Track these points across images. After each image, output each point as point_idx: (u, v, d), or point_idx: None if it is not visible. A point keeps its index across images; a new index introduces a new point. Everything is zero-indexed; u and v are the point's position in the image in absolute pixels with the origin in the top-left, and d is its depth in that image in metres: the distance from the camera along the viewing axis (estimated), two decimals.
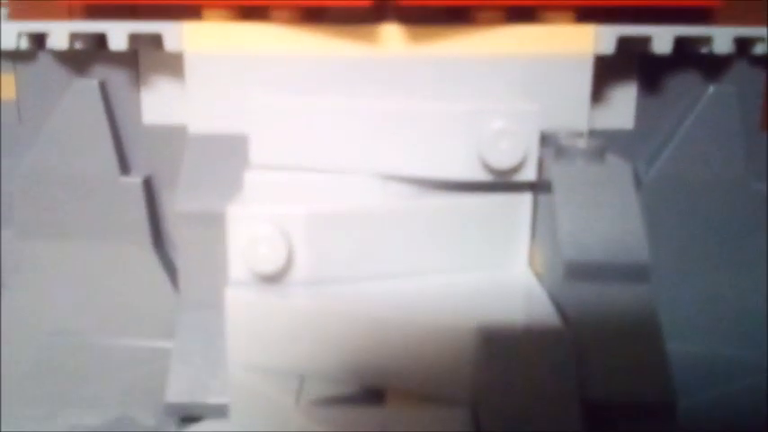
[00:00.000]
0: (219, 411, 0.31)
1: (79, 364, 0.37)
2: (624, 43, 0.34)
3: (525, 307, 0.29)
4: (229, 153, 0.33)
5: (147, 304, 0.36)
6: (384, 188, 0.32)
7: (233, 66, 0.34)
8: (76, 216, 0.36)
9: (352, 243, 0.30)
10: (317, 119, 0.32)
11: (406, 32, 0.34)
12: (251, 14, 0.34)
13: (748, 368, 0.36)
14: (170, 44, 0.34)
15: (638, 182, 0.34)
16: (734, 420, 0.35)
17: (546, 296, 0.29)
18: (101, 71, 0.36)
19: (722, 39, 0.34)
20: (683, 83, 0.36)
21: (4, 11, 0.37)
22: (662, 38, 0.34)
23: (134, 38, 0.34)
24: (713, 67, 0.36)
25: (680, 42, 0.34)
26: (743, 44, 0.35)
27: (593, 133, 0.34)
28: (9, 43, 0.35)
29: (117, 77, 0.36)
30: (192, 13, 0.34)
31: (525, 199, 0.32)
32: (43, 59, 0.36)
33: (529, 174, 0.31)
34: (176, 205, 0.33)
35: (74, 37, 0.34)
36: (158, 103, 0.36)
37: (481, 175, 0.31)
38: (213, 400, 0.31)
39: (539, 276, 0.31)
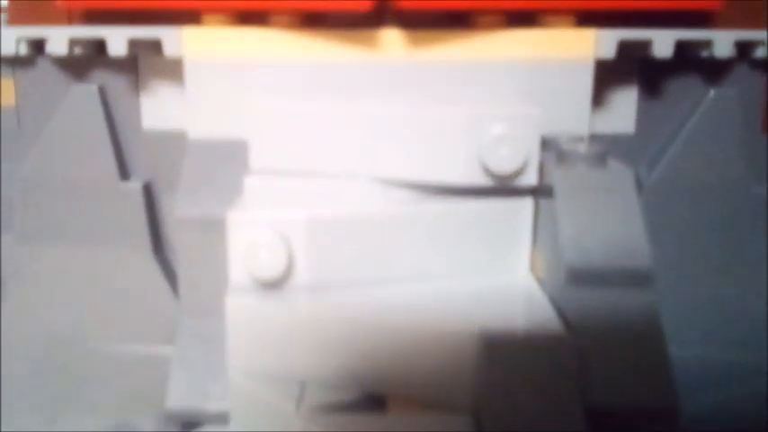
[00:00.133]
0: (220, 418, 0.30)
1: (79, 370, 0.37)
2: (625, 47, 0.33)
3: (527, 312, 0.29)
4: (229, 158, 0.33)
5: (147, 310, 0.36)
6: (385, 193, 0.32)
7: (232, 71, 0.34)
8: (76, 221, 0.36)
9: (352, 248, 0.30)
10: (316, 124, 0.32)
11: (405, 37, 0.33)
12: (250, 20, 0.34)
13: (750, 372, 0.35)
14: (169, 50, 0.33)
15: (639, 186, 0.34)
16: (736, 425, 0.35)
17: (547, 301, 0.29)
18: (100, 76, 0.36)
19: (723, 42, 0.34)
20: (683, 87, 0.36)
21: (4, 16, 0.37)
22: (662, 42, 0.34)
23: (133, 43, 0.34)
24: (714, 70, 0.36)
25: (680, 46, 0.34)
26: (743, 48, 0.35)
27: (593, 137, 0.34)
28: (8, 49, 0.35)
29: (116, 83, 0.36)
30: (192, 18, 0.34)
31: (526, 204, 0.32)
32: (42, 65, 0.36)
33: (530, 178, 0.31)
34: (176, 211, 0.33)
35: (73, 42, 0.34)
36: (158, 109, 0.36)
37: (482, 180, 0.31)
38: (213, 406, 0.31)
39: (540, 281, 0.31)
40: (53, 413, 0.36)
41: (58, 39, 0.34)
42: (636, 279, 0.27)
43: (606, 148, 0.31)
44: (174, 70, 0.35)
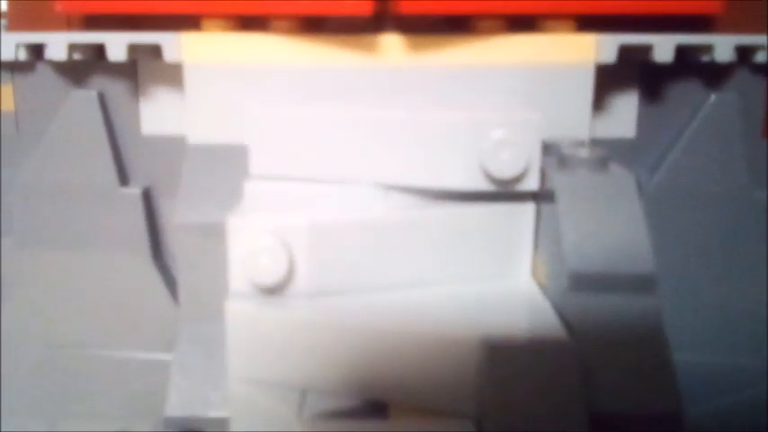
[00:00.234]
0: (220, 425, 0.30)
1: (78, 376, 0.37)
2: (625, 52, 0.33)
3: (529, 318, 0.29)
4: (229, 163, 0.33)
5: (147, 316, 0.36)
6: (385, 198, 0.31)
7: (232, 76, 0.34)
8: (75, 227, 0.36)
9: (353, 254, 0.30)
10: (317, 129, 0.32)
11: (406, 42, 0.33)
12: (250, 25, 0.34)
13: (751, 377, 0.35)
14: (169, 55, 0.33)
15: (639, 190, 0.34)
16: (738, 430, 0.35)
17: (550, 307, 0.29)
18: (99, 82, 0.36)
19: (723, 47, 0.34)
20: (684, 91, 0.36)
21: (3, 22, 0.37)
22: (663, 46, 0.33)
23: (133, 48, 0.34)
24: (714, 75, 0.36)
25: (681, 51, 0.34)
26: (744, 52, 0.35)
27: (594, 142, 0.34)
28: (7, 54, 0.34)
29: (116, 88, 0.36)
30: (192, 23, 0.34)
31: (528, 209, 0.32)
32: (42, 70, 0.36)
33: (531, 183, 0.31)
34: (176, 216, 0.33)
35: (72, 48, 0.34)
36: (157, 114, 0.36)
37: (483, 185, 0.31)
38: (213, 413, 0.31)
39: (542, 287, 0.31)
40: (53, 419, 0.36)
41: (58, 44, 0.34)
42: (639, 284, 0.27)
43: (608, 152, 0.31)
44: (173, 75, 0.35)
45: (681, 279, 0.36)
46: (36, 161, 0.35)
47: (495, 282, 0.32)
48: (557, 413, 0.26)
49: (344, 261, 0.30)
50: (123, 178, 0.36)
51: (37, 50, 0.35)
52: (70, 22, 0.35)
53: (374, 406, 0.28)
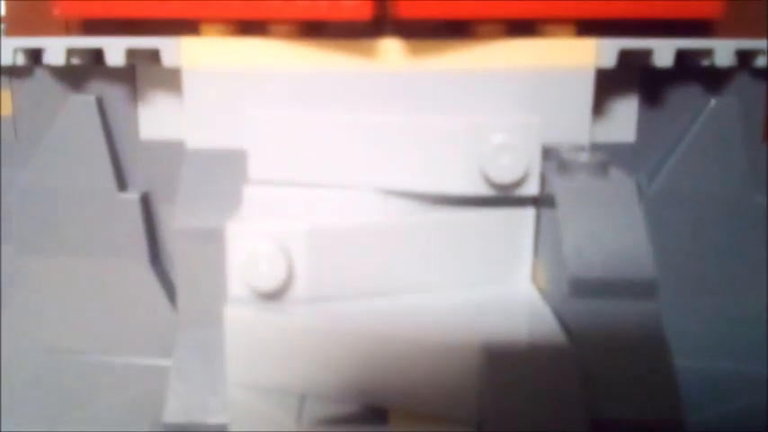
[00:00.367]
0: (219, 430, 0.30)
1: (77, 383, 0.36)
2: (625, 56, 0.33)
3: (529, 324, 0.29)
4: (228, 168, 0.33)
5: (145, 321, 0.36)
6: (385, 203, 0.31)
7: (231, 81, 0.33)
8: (73, 232, 0.36)
9: (352, 259, 0.30)
10: (316, 134, 0.32)
11: (405, 46, 0.33)
12: (249, 29, 0.34)
13: (751, 383, 0.35)
14: (168, 59, 0.33)
15: (639, 195, 0.34)
16: None
17: (550, 313, 0.29)
18: (98, 86, 0.36)
19: (723, 51, 0.34)
20: (684, 96, 0.36)
21: (1, 27, 0.37)
22: (663, 51, 0.33)
23: (131, 53, 0.34)
24: (714, 79, 0.35)
25: (681, 55, 0.34)
26: (744, 57, 0.35)
27: (594, 147, 0.34)
28: (5, 59, 0.34)
29: (114, 93, 0.36)
30: (190, 28, 0.34)
31: (527, 214, 0.32)
32: (40, 75, 0.36)
33: (531, 188, 0.31)
34: (174, 221, 0.33)
35: (70, 52, 0.34)
36: (156, 119, 0.36)
37: (483, 190, 0.31)
38: (212, 419, 0.30)
39: (542, 292, 0.31)
40: (52, 425, 0.36)
41: (56, 49, 0.34)
42: (639, 290, 0.27)
43: (608, 157, 0.31)
44: (172, 80, 0.34)
45: (681, 284, 0.36)
46: (34, 166, 0.35)
47: (495, 287, 0.32)
48: (557, 419, 0.25)
49: (344, 266, 0.30)
50: (122, 183, 0.36)
51: (35, 55, 0.35)
52: (68, 27, 0.35)
53: (374, 412, 0.28)
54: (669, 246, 0.35)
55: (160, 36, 0.33)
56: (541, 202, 0.31)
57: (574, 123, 0.34)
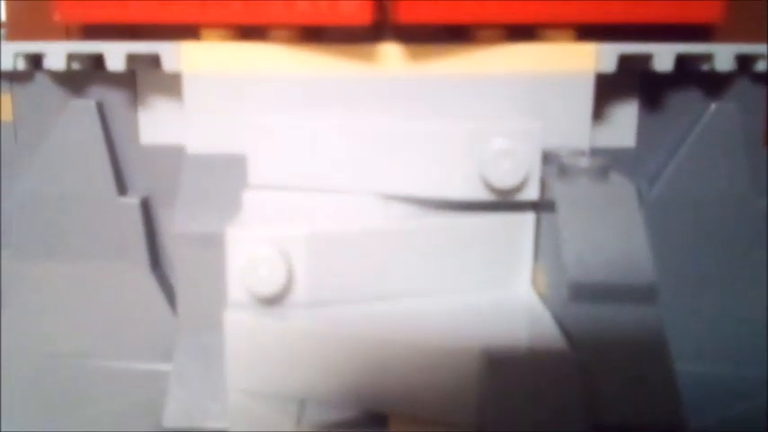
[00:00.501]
0: None
1: (77, 387, 0.36)
2: (625, 61, 0.33)
3: (529, 329, 0.29)
4: (228, 173, 0.33)
5: (145, 326, 0.36)
6: (385, 208, 0.31)
7: (231, 86, 0.34)
8: (74, 237, 0.36)
9: (352, 264, 0.30)
10: (316, 139, 0.32)
11: (405, 51, 0.33)
12: (249, 34, 0.34)
13: (752, 387, 0.35)
14: (168, 64, 0.33)
15: (640, 200, 0.34)
16: None
17: (550, 318, 0.29)
18: (98, 91, 0.36)
19: (723, 56, 0.34)
20: (684, 100, 0.36)
21: (2, 32, 0.37)
22: (663, 55, 0.33)
23: (132, 58, 0.34)
24: (714, 84, 0.35)
25: (681, 60, 0.34)
26: (744, 61, 0.35)
27: (594, 151, 0.34)
28: (6, 64, 0.35)
29: (114, 98, 0.36)
30: (191, 33, 0.34)
31: (528, 218, 0.32)
32: (40, 80, 0.36)
33: (531, 193, 0.31)
34: (174, 226, 0.33)
35: (71, 57, 0.34)
36: (156, 123, 0.36)
37: (483, 195, 0.31)
38: (212, 424, 0.30)
39: (542, 296, 0.31)
40: (52, 429, 0.36)
41: (56, 54, 0.34)
42: (640, 294, 0.27)
43: (608, 162, 0.31)
44: (172, 85, 0.34)
45: (681, 288, 0.36)
46: (35, 171, 0.35)
47: (495, 291, 0.32)
48: (557, 424, 0.25)
49: (343, 271, 0.30)
50: (122, 188, 0.36)
51: (36, 60, 0.35)
52: (69, 32, 0.35)
53: (374, 417, 0.28)
54: (669, 250, 0.35)
55: (160, 41, 0.33)
56: (541, 206, 0.31)
57: (574, 128, 0.34)
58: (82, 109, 0.35)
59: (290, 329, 0.28)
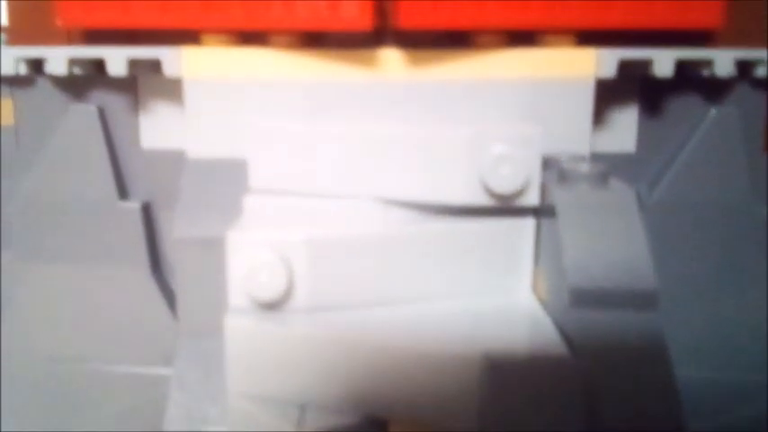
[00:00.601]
0: None
1: (77, 391, 0.36)
2: (625, 66, 0.33)
3: (530, 335, 0.29)
4: (228, 178, 0.33)
5: (146, 331, 0.36)
6: (386, 213, 0.31)
7: (232, 91, 0.34)
8: (74, 241, 0.36)
9: (353, 269, 0.30)
10: (316, 143, 0.32)
11: (405, 57, 0.33)
12: (250, 40, 0.34)
13: (752, 393, 0.35)
14: (169, 69, 0.33)
15: (640, 205, 0.34)
16: None
17: (551, 323, 0.29)
18: (99, 96, 0.36)
19: (724, 61, 0.34)
20: (684, 106, 0.36)
21: (3, 36, 0.37)
22: (663, 61, 0.33)
23: (133, 63, 0.34)
24: (715, 89, 0.35)
25: (681, 65, 0.34)
26: (744, 66, 0.35)
27: (594, 157, 0.34)
28: (7, 68, 0.35)
29: (115, 102, 0.36)
30: (192, 38, 0.34)
31: (528, 224, 0.32)
32: (41, 85, 0.36)
33: (531, 198, 0.31)
34: (174, 231, 0.33)
35: (72, 62, 0.34)
36: (157, 128, 0.36)
37: (483, 200, 0.31)
38: (212, 429, 0.30)
39: (542, 302, 0.31)
40: None
41: (58, 58, 0.34)
42: (640, 300, 0.27)
43: (608, 167, 0.31)
44: (173, 90, 0.34)
45: (681, 293, 0.36)
46: (36, 175, 0.35)
47: (496, 297, 0.32)
48: (558, 430, 0.25)
49: (344, 276, 0.30)
50: (123, 192, 0.36)
51: (37, 65, 0.35)
52: (70, 37, 0.35)
53: (374, 422, 0.28)
54: (669, 255, 0.35)
55: (161, 46, 0.33)
56: (542, 212, 0.31)
57: (574, 133, 0.34)
58: (83, 114, 0.35)
59: (290, 335, 0.28)
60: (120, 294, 0.36)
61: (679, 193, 0.35)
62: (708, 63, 0.34)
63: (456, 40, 0.34)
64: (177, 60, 0.33)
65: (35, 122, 0.36)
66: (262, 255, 0.29)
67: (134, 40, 0.34)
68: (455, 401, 0.26)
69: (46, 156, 0.35)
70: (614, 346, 0.26)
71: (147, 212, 0.36)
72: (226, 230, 0.30)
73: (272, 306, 0.29)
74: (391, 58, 0.33)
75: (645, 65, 0.34)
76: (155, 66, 0.34)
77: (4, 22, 0.37)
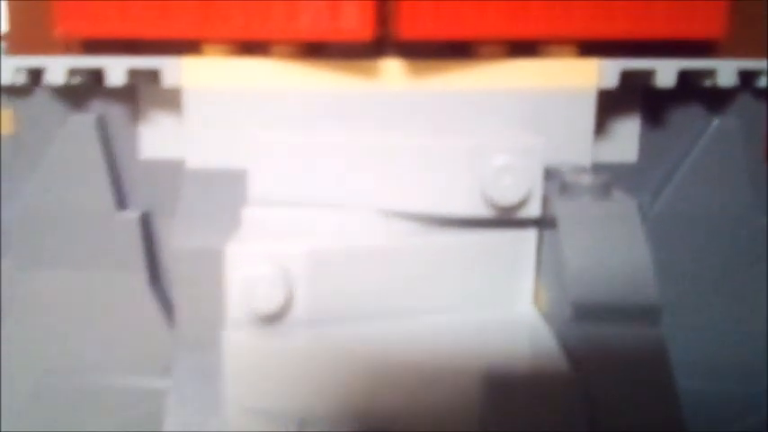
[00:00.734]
0: None
1: (75, 402, 0.36)
2: (627, 77, 0.33)
3: (531, 349, 0.28)
4: (228, 188, 0.33)
5: (144, 342, 0.36)
6: (386, 225, 0.31)
7: (232, 101, 0.33)
8: (72, 252, 0.36)
9: (353, 281, 0.30)
10: (317, 154, 0.32)
11: (406, 67, 0.33)
12: (250, 50, 0.34)
13: (755, 402, 0.35)
14: (169, 79, 0.33)
15: (642, 216, 0.34)
16: None
17: (552, 337, 0.29)
18: (98, 106, 0.36)
19: (726, 72, 0.34)
20: (686, 116, 0.36)
21: (2, 46, 0.37)
22: (665, 71, 0.33)
23: (132, 73, 0.34)
24: (717, 99, 0.35)
25: (683, 75, 0.34)
26: (746, 77, 0.35)
27: (596, 167, 0.34)
28: (6, 78, 0.34)
29: (115, 112, 0.36)
30: (191, 48, 0.34)
31: (529, 235, 0.32)
32: (40, 94, 0.36)
33: (533, 210, 0.30)
34: (173, 241, 0.32)
35: (71, 72, 0.34)
36: (156, 138, 0.36)
37: (484, 212, 0.30)
38: None
39: (544, 314, 0.31)
40: None
41: (56, 68, 0.34)
42: (643, 314, 0.27)
43: (610, 179, 0.31)
44: (172, 100, 0.34)
45: (683, 304, 0.35)
46: (35, 185, 0.35)
47: (497, 309, 0.31)
48: None
49: (344, 289, 0.30)
50: (121, 202, 0.36)
51: (36, 75, 0.35)
52: (69, 47, 0.35)
53: None
54: (671, 265, 0.35)
55: (161, 56, 0.33)
56: (543, 223, 0.31)
57: (576, 144, 0.34)
58: (82, 123, 0.35)
59: (289, 348, 0.28)
60: (117, 305, 0.36)
61: (681, 203, 0.35)
62: (710, 73, 0.34)
63: (457, 50, 0.34)
64: (177, 70, 0.33)
65: (34, 132, 0.36)
66: (261, 267, 0.28)
67: (133, 50, 0.34)
68: (456, 416, 0.26)
69: (45, 165, 0.35)
70: (616, 361, 0.26)
71: (146, 222, 0.36)
72: (225, 241, 0.29)
73: (272, 319, 0.29)
74: (392, 68, 0.33)
75: (647, 75, 0.34)
76: (154, 75, 0.34)
77: (4, 29, 0.37)
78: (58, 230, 0.35)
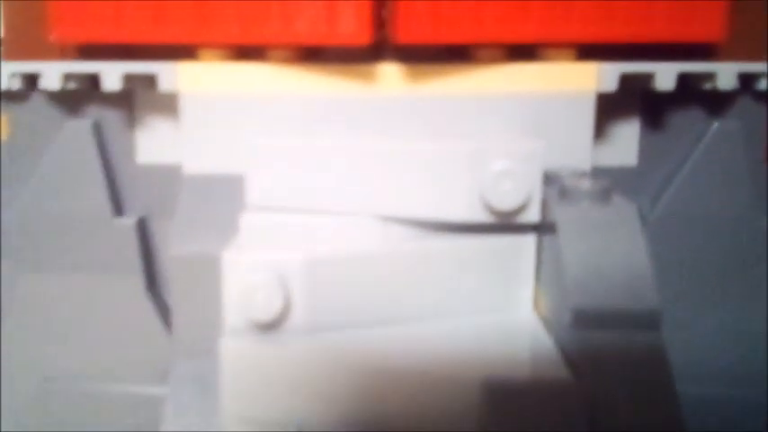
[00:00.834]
0: None
1: (72, 410, 0.36)
2: (627, 80, 0.33)
3: (531, 355, 0.28)
4: (225, 194, 0.33)
5: (141, 348, 0.36)
6: (385, 231, 0.31)
7: (229, 106, 0.33)
8: (69, 258, 0.35)
9: (351, 288, 0.30)
10: (314, 159, 0.31)
11: (404, 71, 0.33)
12: (247, 54, 0.33)
13: (754, 406, 0.35)
14: (165, 84, 0.33)
15: (642, 219, 0.34)
16: None
17: (552, 344, 0.28)
18: (94, 111, 0.35)
19: (726, 75, 0.34)
20: (686, 119, 0.36)
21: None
22: (665, 74, 0.33)
23: (128, 78, 0.33)
24: (717, 103, 0.35)
25: (683, 79, 0.34)
26: (746, 80, 0.34)
27: (596, 171, 0.34)
28: (2, 84, 0.34)
29: (111, 117, 0.36)
30: (188, 53, 0.33)
31: (529, 241, 0.31)
32: (36, 100, 0.35)
33: (532, 215, 0.30)
34: (170, 248, 0.32)
35: (67, 77, 0.34)
36: (153, 143, 0.36)
37: (483, 217, 0.30)
38: None
39: (544, 320, 0.30)
40: None
41: (52, 74, 0.34)
42: (643, 320, 0.26)
43: (610, 184, 0.30)
44: (169, 105, 0.34)
45: (683, 308, 0.35)
46: (31, 191, 0.35)
47: (497, 315, 0.31)
48: None
49: (342, 296, 0.30)
50: (118, 208, 0.36)
51: (31, 80, 0.34)
52: (65, 52, 0.35)
53: None
54: (672, 269, 0.35)
55: (157, 61, 0.33)
56: (543, 229, 0.31)
57: (575, 148, 0.34)
58: (78, 129, 0.35)
59: (287, 355, 0.28)
60: (114, 311, 0.36)
61: (681, 207, 0.35)
62: (710, 76, 0.34)
63: (455, 54, 0.34)
64: (173, 75, 0.33)
65: (30, 137, 0.36)
66: (258, 275, 0.28)
67: (129, 55, 0.34)
68: (455, 423, 0.26)
69: (41, 171, 0.35)
70: (616, 367, 0.26)
71: (143, 228, 0.36)
72: (222, 248, 0.29)
73: (269, 326, 0.29)
74: (390, 72, 0.33)
75: (646, 78, 0.33)
76: (150, 80, 0.33)
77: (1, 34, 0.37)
78: (55, 236, 0.35)
